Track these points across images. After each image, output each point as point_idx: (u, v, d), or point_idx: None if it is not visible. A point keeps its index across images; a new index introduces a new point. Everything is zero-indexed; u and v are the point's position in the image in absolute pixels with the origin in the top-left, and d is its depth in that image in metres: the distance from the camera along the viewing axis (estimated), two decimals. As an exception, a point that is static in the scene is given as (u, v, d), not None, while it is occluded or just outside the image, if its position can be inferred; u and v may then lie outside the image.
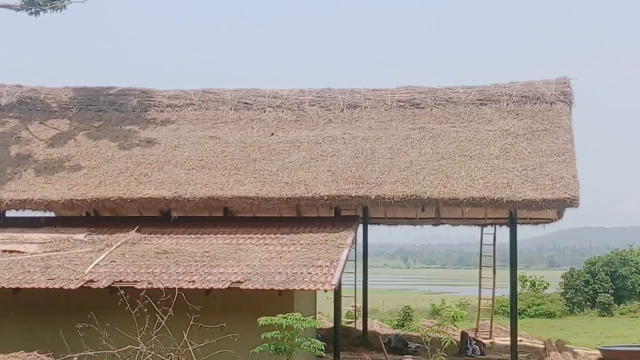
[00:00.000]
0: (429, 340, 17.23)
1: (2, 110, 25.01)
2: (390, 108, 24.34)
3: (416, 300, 57.75)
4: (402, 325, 35.79)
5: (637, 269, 60.84)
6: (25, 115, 24.87)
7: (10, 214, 22.34)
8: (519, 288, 60.54)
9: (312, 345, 14.45)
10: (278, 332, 14.38)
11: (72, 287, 17.56)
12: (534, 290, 61.61)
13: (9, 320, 18.85)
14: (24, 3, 24.37)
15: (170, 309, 15.03)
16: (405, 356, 21.09)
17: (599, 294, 58.11)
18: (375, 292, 64.35)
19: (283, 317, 14.30)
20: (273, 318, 14.31)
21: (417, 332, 22.67)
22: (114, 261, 18.86)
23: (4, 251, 20.00)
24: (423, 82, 25.63)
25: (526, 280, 62.96)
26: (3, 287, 17.88)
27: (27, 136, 23.83)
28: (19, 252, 19.89)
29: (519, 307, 53.39)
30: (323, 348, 14.80)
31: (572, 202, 20.10)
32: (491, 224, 26.21)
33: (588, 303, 58.89)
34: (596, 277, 59.04)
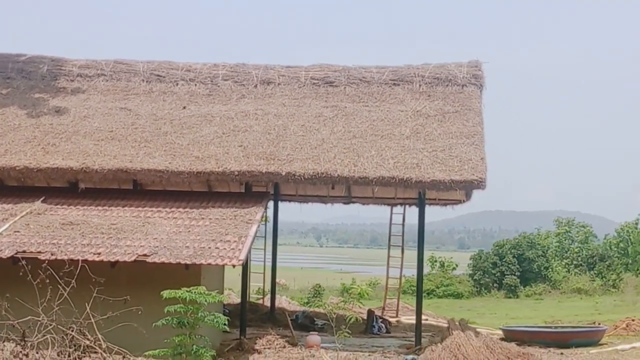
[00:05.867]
0: (335, 317, 17.42)
1: None
2: (304, 85, 24.38)
3: (327, 279, 57.95)
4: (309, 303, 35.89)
5: (543, 252, 61.86)
6: None
7: None
8: (428, 269, 61.58)
9: (215, 320, 14.42)
10: (182, 305, 14.31)
11: (-27, 256, 17.21)
12: (443, 271, 62.22)
13: None
14: None
15: (74, 281, 14.84)
16: (312, 332, 21.21)
17: (506, 276, 58.92)
18: (287, 270, 64.62)
19: (187, 291, 14.23)
20: (177, 291, 14.22)
21: (324, 308, 22.86)
22: (18, 231, 18.56)
23: None
24: (338, 62, 25.52)
25: (436, 261, 63.63)
26: None
27: None
28: None
29: (427, 287, 54.52)
30: (227, 322, 14.78)
31: (480, 184, 20.38)
32: (401, 204, 26.48)
33: (495, 285, 59.61)
34: (503, 260, 59.82)
